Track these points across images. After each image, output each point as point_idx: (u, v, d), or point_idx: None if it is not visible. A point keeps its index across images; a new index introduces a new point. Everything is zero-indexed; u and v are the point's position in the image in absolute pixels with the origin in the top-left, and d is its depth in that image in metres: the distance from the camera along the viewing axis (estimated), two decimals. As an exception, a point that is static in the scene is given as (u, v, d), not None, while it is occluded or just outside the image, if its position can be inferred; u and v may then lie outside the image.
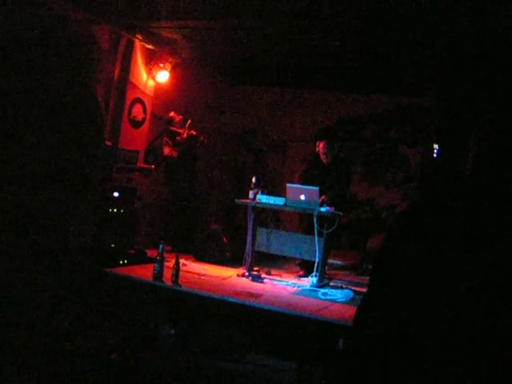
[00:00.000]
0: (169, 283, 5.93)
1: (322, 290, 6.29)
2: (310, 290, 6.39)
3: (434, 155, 8.48)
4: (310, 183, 6.88)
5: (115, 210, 6.99)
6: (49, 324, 5.12)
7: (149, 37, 7.43)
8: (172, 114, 8.30)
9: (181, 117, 8.30)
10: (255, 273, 6.91)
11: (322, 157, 7.14)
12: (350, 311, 5.25)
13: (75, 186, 6.25)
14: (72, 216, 6.38)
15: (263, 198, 6.96)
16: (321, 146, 7.15)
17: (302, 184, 7.03)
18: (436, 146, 8.63)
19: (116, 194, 7.00)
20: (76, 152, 6.17)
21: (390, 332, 1.38)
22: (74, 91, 6.01)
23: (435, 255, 1.36)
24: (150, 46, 7.66)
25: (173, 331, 5.63)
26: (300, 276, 7.07)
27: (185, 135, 8.17)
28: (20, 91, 5.19)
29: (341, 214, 6.68)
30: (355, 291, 6.21)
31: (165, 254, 6.15)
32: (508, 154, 1.41)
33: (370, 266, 7.37)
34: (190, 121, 8.25)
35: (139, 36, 7.34)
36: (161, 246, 6.00)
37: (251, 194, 7.01)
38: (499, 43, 5.57)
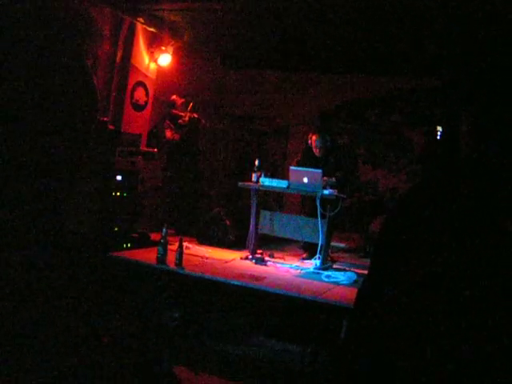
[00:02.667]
0: (172, 266, 5.93)
1: (326, 273, 6.29)
2: (314, 272, 6.39)
3: (438, 137, 8.44)
4: None
5: (118, 194, 6.98)
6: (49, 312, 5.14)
7: (150, 20, 7.36)
8: (174, 97, 8.26)
9: (183, 100, 8.25)
10: (258, 255, 6.90)
11: (315, 150, 7.04)
12: (354, 293, 5.25)
13: (68, 166, 6.24)
14: (67, 200, 6.38)
15: (266, 181, 6.94)
16: (313, 139, 7.03)
17: None
18: (439, 128, 8.58)
19: (119, 178, 6.99)
20: (66, 129, 6.15)
21: (390, 314, 1.37)
22: (63, 66, 5.95)
23: (432, 239, 1.35)
24: (151, 29, 7.60)
25: (176, 314, 5.64)
26: (303, 258, 7.06)
27: (187, 118, 8.14)
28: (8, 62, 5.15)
29: (344, 196, 6.66)
30: (358, 273, 6.21)
31: (168, 238, 6.14)
32: (496, 135, 1.39)
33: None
34: (191, 104, 8.21)
35: (141, 19, 7.28)
36: (164, 230, 5.99)
37: (254, 176, 6.99)
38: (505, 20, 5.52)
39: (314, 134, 7.07)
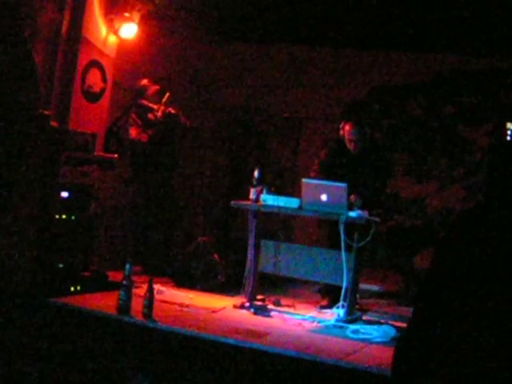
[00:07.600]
0: (139, 318, 5.93)
1: (353, 327, 6.29)
2: (336, 326, 6.39)
3: (508, 138, 8.47)
4: (333, 179, 6.86)
5: (64, 217, 6.98)
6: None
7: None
8: (145, 81, 8.26)
9: (157, 87, 8.25)
10: (259, 303, 6.90)
11: (349, 144, 7.12)
12: (391, 355, 5.25)
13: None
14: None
15: (270, 199, 6.95)
16: (347, 129, 7.12)
17: (321, 179, 7.01)
18: (510, 126, 8.62)
19: (65, 195, 6.99)
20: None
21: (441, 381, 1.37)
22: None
23: (502, 280, 1.35)
24: (110, -13, 7.66)
25: (145, 384, 5.64)
26: (321, 307, 7.07)
27: (160, 113, 8.11)
28: None
29: (378, 220, 6.68)
30: (398, 327, 6.21)
31: (134, 278, 6.15)
32: None
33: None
34: (168, 94, 8.19)
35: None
36: (128, 267, 6.00)
37: (253, 193, 7.00)
38: None
39: (347, 122, 7.18)
